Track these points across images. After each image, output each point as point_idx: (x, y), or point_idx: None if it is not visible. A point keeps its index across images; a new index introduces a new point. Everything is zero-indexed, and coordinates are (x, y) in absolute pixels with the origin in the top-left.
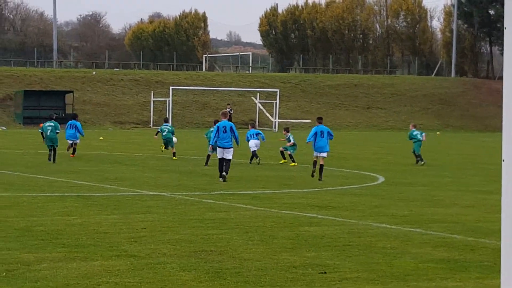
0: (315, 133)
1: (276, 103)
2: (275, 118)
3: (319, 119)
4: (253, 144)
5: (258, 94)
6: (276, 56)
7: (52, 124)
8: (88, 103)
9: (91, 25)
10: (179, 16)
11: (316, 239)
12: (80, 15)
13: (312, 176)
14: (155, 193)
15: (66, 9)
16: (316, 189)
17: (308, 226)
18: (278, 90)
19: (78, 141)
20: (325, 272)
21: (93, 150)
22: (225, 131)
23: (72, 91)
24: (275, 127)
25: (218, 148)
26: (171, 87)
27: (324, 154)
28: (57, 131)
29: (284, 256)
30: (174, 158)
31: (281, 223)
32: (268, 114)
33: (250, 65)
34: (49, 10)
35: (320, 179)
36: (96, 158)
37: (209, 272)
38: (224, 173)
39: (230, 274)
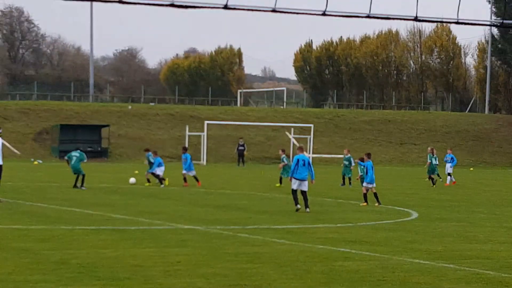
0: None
1: (310, 138)
2: (309, 153)
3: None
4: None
5: (292, 129)
6: (310, 91)
7: (78, 154)
8: (123, 137)
9: (127, 60)
10: (215, 51)
11: (350, 274)
12: (117, 50)
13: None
14: (190, 226)
15: (102, 44)
16: (350, 224)
17: (342, 261)
18: (312, 125)
19: None
20: None
21: (128, 184)
22: (304, 165)
23: (108, 125)
24: None
25: (294, 180)
26: (206, 122)
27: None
28: (84, 160)
29: None
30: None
31: (315, 258)
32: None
33: (285, 100)
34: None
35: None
36: (132, 191)
37: None
38: (301, 207)
39: None
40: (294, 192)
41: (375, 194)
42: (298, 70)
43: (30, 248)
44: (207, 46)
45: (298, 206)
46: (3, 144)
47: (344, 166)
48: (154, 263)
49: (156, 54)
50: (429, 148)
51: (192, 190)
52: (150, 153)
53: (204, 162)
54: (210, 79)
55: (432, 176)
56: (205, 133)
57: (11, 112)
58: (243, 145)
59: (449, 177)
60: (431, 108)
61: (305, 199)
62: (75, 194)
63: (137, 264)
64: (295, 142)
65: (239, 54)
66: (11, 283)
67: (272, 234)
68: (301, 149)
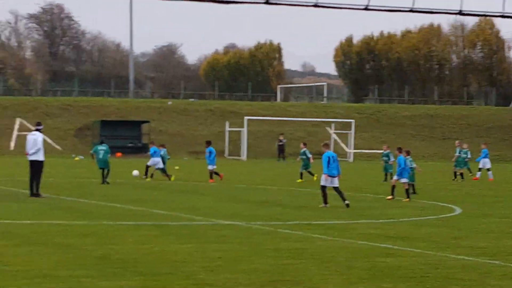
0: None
1: (351, 133)
2: (350, 149)
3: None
4: None
5: (333, 124)
6: (351, 86)
7: (104, 147)
8: (164, 133)
9: (167, 56)
10: (254, 47)
11: (393, 270)
12: (156, 46)
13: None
14: (230, 222)
15: (142, 40)
16: (392, 220)
17: (385, 257)
18: (353, 120)
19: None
20: None
21: (169, 180)
22: (334, 161)
23: (148, 121)
24: (350, 158)
25: (327, 177)
26: (245, 117)
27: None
28: (108, 154)
29: (360, 287)
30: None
31: (357, 254)
32: (343, 145)
33: (325, 95)
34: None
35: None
36: (172, 187)
37: None
38: (346, 202)
39: None
40: (324, 188)
41: (406, 190)
42: (339, 65)
43: (73, 243)
44: (246, 41)
45: (328, 205)
46: (44, 140)
47: (384, 162)
48: (195, 259)
49: (195, 50)
50: (457, 142)
51: (232, 186)
52: (164, 149)
53: (244, 158)
54: (250, 74)
55: (458, 170)
56: (245, 128)
57: (52, 108)
58: (282, 141)
59: (489, 172)
60: (474, 103)
61: (341, 193)
62: (116, 190)
63: (178, 259)
64: (336, 138)
65: (278, 49)
66: (54, 278)
67: (314, 230)
68: (327, 146)
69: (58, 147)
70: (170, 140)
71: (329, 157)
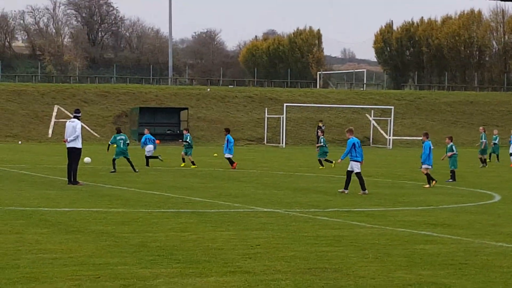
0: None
1: (390, 120)
2: (390, 136)
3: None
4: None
5: (372, 111)
6: (390, 73)
7: (123, 137)
8: (202, 120)
9: (206, 42)
10: (294, 33)
11: (432, 257)
12: (195, 33)
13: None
14: (269, 209)
15: (181, 26)
16: (431, 207)
17: (424, 244)
18: (392, 107)
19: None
20: None
21: (207, 167)
22: (359, 147)
23: (187, 108)
24: (389, 145)
25: (356, 163)
26: (285, 104)
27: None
28: (128, 142)
29: (399, 274)
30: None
31: (395, 241)
32: (382, 131)
33: (365, 82)
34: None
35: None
36: (211, 174)
37: None
38: (366, 191)
39: None
40: (350, 174)
41: (427, 174)
42: (378, 51)
43: (110, 231)
44: (286, 27)
45: (347, 191)
46: (82, 127)
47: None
48: (234, 246)
49: (234, 37)
50: (481, 128)
51: (271, 173)
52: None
53: (283, 145)
54: (289, 61)
55: (482, 156)
56: (284, 115)
57: (90, 95)
58: (321, 128)
59: None
60: None
61: (362, 180)
62: (155, 177)
63: (216, 247)
64: (375, 124)
65: (318, 35)
66: (91, 266)
67: (352, 217)
68: (351, 131)
69: (96, 134)
70: (209, 127)
71: (354, 143)
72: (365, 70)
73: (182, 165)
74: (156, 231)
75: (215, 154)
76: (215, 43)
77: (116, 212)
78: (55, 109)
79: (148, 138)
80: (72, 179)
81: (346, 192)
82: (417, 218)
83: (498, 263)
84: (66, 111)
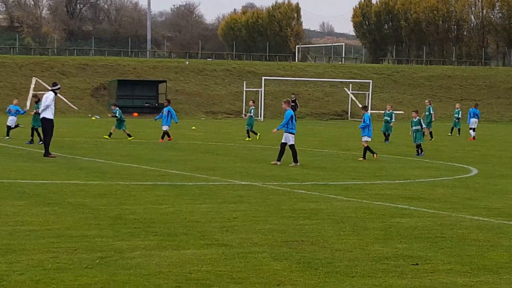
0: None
1: (368, 94)
2: (369, 110)
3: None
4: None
5: (350, 85)
6: (369, 47)
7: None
8: (181, 93)
9: (185, 15)
10: (272, 6)
11: (408, 231)
12: (174, 6)
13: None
14: (246, 182)
15: None
16: (408, 181)
17: (400, 217)
18: (371, 81)
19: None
20: (417, 264)
21: (185, 140)
22: (295, 119)
23: (165, 81)
24: None
25: (291, 135)
26: (263, 78)
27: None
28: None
29: (376, 247)
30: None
31: (372, 214)
32: (360, 105)
33: (343, 55)
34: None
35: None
36: (189, 147)
37: (300, 262)
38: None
39: (322, 264)
40: (284, 145)
41: (366, 147)
42: (357, 25)
43: (88, 203)
44: (264, 1)
45: (279, 163)
46: (60, 99)
47: (384, 122)
48: (211, 219)
49: (213, 10)
50: (426, 101)
51: (249, 146)
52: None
53: (262, 118)
54: (268, 34)
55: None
56: (262, 89)
57: (69, 67)
58: (294, 101)
59: (471, 131)
60: (492, 64)
61: (295, 152)
62: (132, 150)
63: (194, 219)
64: (354, 98)
65: (297, 9)
66: (68, 238)
67: (330, 191)
68: (287, 103)
69: (74, 106)
70: (187, 100)
71: (292, 115)
72: (343, 44)
73: (105, 136)
74: (133, 203)
75: (193, 127)
76: (194, 16)
77: (94, 184)
78: (33, 81)
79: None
80: (45, 152)
81: (278, 163)
82: (393, 191)
83: (474, 237)
84: (44, 83)
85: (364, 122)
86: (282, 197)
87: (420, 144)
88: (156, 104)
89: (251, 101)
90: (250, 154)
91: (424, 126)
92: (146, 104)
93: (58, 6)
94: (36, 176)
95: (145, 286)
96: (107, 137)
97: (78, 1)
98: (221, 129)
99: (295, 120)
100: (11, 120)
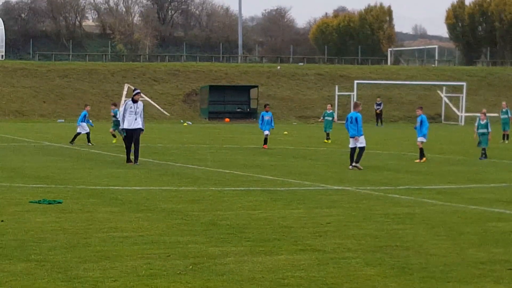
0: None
1: (462, 96)
2: (461, 112)
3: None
4: None
5: (444, 87)
6: (462, 49)
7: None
8: (272, 97)
9: (276, 20)
10: (364, 10)
11: (504, 235)
12: (265, 10)
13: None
14: (339, 187)
15: (251, 4)
16: (504, 184)
17: (496, 221)
18: (464, 83)
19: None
20: None
21: (278, 145)
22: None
23: (257, 86)
24: (461, 121)
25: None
26: (355, 81)
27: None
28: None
29: (471, 252)
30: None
31: (468, 219)
32: (454, 108)
33: (436, 58)
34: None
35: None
36: (281, 152)
37: (394, 267)
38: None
39: (416, 269)
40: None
41: (420, 149)
42: (450, 27)
43: (180, 209)
44: (356, 4)
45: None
46: (152, 106)
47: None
48: (304, 224)
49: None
50: (503, 103)
51: (342, 151)
52: (117, 109)
53: None
54: (359, 38)
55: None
56: (354, 92)
57: (160, 73)
58: (379, 104)
59: None
60: None
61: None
62: (224, 155)
63: (287, 225)
64: (447, 101)
65: (389, 12)
66: (162, 244)
67: (424, 195)
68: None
69: (166, 113)
70: (279, 104)
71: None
72: (436, 46)
73: (114, 141)
74: (226, 209)
75: (286, 132)
76: (285, 20)
77: (186, 190)
78: (126, 88)
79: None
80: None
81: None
82: (489, 195)
83: None
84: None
85: (422, 123)
86: (376, 202)
87: (485, 148)
88: (248, 109)
89: (329, 105)
90: (343, 159)
91: (489, 130)
92: (238, 109)
93: (150, 12)
94: (129, 182)
95: None
96: (115, 141)
97: (170, 7)
98: (313, 133)
99: (382, 123)
100: (83, 128)
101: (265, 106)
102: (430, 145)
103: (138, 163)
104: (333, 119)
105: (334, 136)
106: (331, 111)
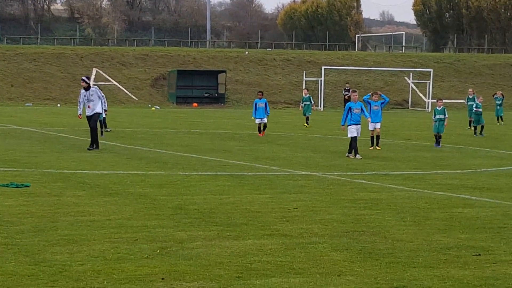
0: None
1: (429, 83)
2: (428, 98)
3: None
4: None
5: (411, 74)
6: (429, 35)
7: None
8: (240, 82)
9: (244, 5)
10: None
11: (470, 221)
12: None
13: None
14: (307, 172)
15: None
16: (470, 170)
17: (462, 207)
18: (431, 70)
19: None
20: (479, 254)
21: (245, 130)
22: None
23: (225, 71)
24: (428, 108)
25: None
26: (323, 67)
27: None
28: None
29: (437, 238)
30: None
31: (434, 204)
32: (421, 94)
33: (403, 44)
34: None
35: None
36: (248, 137)
37: (361, 252)
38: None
39: (383, 254)
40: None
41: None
42: (418, 13)
43: (148, 193)
44: None
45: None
46: (120, 90)
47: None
48: (271, 209)
49: None
50: (470, 90)
51: (309, 136)
52: None
53: (322, 108)
54: (327, 24)
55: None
56: (322, 78)
57: (128, 58)
58: (348, 90)
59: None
60: None
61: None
62: (192, 140)
63: (254, 210)
64: (414, 87)
65: None
66: (129, 228)
67: (390, 180)
68: (354, 92)
69: (134, 97)
70: (247, 89)
71: (350, 107)
72: (404, 32)
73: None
74: (193, 194)
75: (253, 117)
76: (253, 5)
77: (154, 174)
78: (94, 72)
79: None
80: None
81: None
82: (455, 181)
83: None
84: (104, 74)
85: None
86: (343, 187)
87: (440, 135)
88: (216, 94)
89: (305, 90)
90: (310, 144)
91: (446, 116)
92: (206, 94)
93: None
94: (97, 166)
95: (206, 276)
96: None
97: None
98: (281, 118)
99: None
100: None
101: (258, 93)
102: (397, 131)
103: (93, 148)
104: (312, 103)
105: (301, 122)
106: (308, 95)
